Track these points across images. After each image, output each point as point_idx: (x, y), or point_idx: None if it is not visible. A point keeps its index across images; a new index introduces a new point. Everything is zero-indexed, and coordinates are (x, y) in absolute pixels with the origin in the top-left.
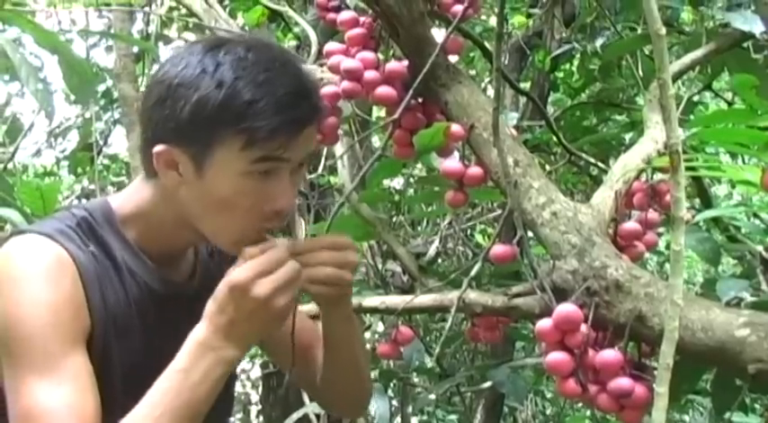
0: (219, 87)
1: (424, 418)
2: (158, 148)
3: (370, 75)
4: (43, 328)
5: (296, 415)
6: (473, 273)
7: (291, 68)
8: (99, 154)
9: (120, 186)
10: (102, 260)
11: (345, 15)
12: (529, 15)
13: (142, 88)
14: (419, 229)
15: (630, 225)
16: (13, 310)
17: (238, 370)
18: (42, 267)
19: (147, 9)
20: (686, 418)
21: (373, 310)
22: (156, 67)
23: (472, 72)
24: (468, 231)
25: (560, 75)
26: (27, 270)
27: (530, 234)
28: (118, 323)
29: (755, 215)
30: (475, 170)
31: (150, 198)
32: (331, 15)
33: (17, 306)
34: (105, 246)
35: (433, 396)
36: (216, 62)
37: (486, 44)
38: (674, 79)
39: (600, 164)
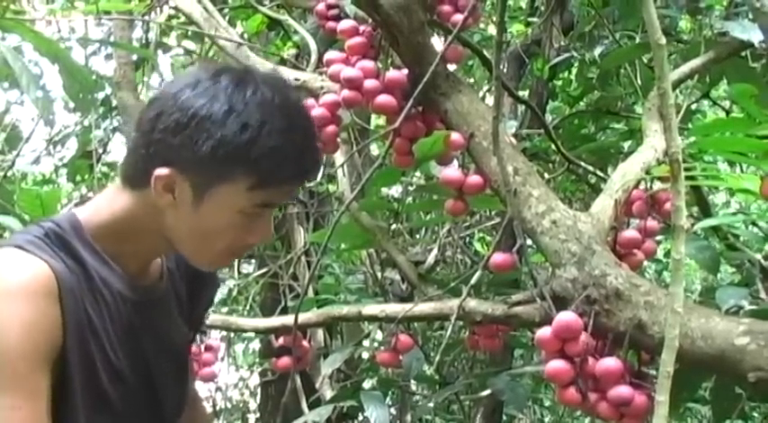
0: (244, 129)
1: None
2: (162, 170)
3: (370, 83)
4: (15, 349)
5: None
6: (473, 281)
7: (305, 116)
8: (98, 162)
9: None
10: (74, 269)
11: (345, 24)
12: (527, 24)
13: (142, 96)
14: (418, 237)
15: (630, 233)
16: None
17: (236, 378)
18: (19, 284)
19: (146, 17)
20: None
21: (373, 318)
22: (167, 83)
23: (470, 80)
24: (467, 239)
25: (559, 83)
26: (3, 287)
27: (529, 242)
28: (93, 331)
29: (754, 223)
30: (474, 178)
31: (127, 208)
32: (331, 24)
33: None
34: (76, 256)
35: (432, 404)
36: (244, 102)
37: (485, 53)
38: (673, 88)
39: (598, 172)
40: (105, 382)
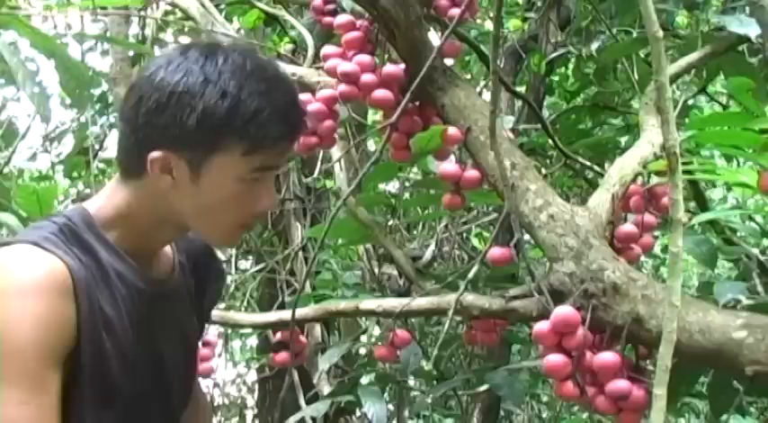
0: (224, 97)
1: (421, 421)
2: (155, 154)
3: (367, 78)
4: (25, 345)
5: (292, 419)
6: (470, 275)
7: (283, 77)
8: (94, 158)
9: None
10: (89, 264)
11: (342, 19)
12: (524, 19)
13: None
14: (415, 232)
15: (627, 228)
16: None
17: (234, 375)
18: (33, 281)
19: (143, 13)
20: (682, 421)
21: (370, 314)
22: (145, 69)
23: (468, 75)
24: (464, 235)
25: (556, 78)
26: (17, 283)
27: (526, 237)
28: (108, 325)
29: (751, 218)
30: (472, 173)
31: (130, 200)
32: (327, 19)
33: (3, 319)
34: (90, 250)
35: (429, 399)
36: (217, 71)
37: (482, 48)
38: (670, 82)
39: (595, 167)
40: (117, 374)
